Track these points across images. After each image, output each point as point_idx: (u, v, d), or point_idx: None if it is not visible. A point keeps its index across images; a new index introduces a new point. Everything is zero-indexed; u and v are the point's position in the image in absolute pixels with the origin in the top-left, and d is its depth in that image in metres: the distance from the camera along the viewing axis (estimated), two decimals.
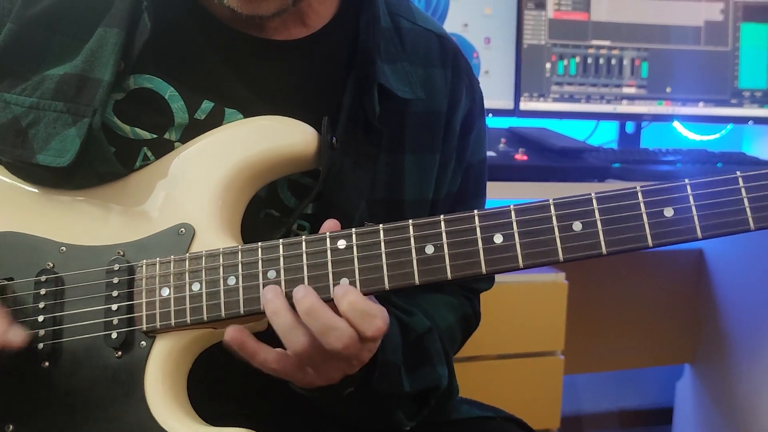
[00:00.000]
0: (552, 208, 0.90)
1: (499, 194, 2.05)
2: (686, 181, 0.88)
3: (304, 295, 0.90)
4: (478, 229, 0.91)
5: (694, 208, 0.87)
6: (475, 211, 0.91)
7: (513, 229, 0.90)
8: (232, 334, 0.92)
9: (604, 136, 2.81)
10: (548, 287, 2.22)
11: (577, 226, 0.89)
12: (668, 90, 2.65)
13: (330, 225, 0.97)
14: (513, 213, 0.90)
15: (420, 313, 1.16)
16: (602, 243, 0.88)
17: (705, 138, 2.88)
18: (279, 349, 0.94)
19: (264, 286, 0.94)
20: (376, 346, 0.96)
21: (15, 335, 0.94)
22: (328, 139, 1.01)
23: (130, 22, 1.03)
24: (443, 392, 1.18)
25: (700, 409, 3.03)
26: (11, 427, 0.96)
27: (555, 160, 2.24)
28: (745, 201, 0.87)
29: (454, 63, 1.21)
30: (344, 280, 0.92)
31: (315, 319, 0.89)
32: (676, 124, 2.83)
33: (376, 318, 0.90)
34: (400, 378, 1.09)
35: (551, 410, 2.30)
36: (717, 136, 2.88)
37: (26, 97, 1.01)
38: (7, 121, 1.01)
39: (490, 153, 2.21)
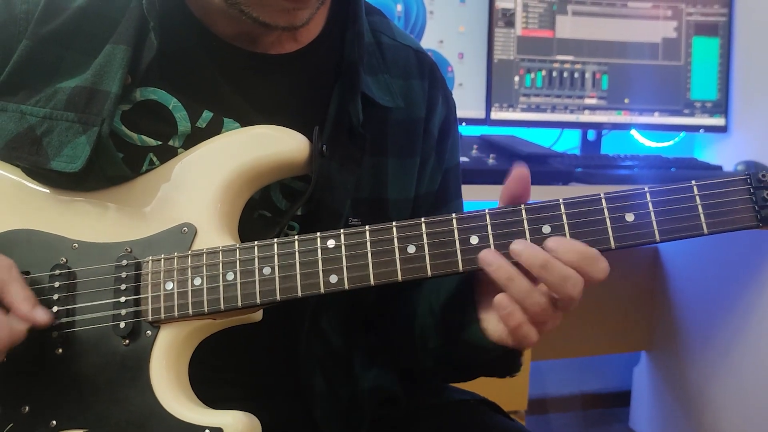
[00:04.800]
0: (523, 212, 0.91)
1: (472, 196, 2.04)
2: (646, 188, 0.89)
3: (535, 252, 0.88)
4: (455, 231, 0.91)
5: (653, 214, 0.88)
6: (453, 215, 0.92)
7: (488, 231, 0.91)
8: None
9: (568, 143, 2.82)
10: None
11: (546, 229, 0.90)
12: (626, 101, 2.67)
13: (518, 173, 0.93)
14: (488, 217, 0.91)
15: None
16: None
17: (660, 145, 2.90)
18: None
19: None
20: None
21: (41, 314, 0.94)
22: (318, 147, 1.02)
23: (137, 40, 1.03)
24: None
25: (656, 392, 3.05)
26: (27, 408, 0.97)
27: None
28: (700, 208, 0.87)
29: (431, 75, 1.22)
30: (333, 277, 0.93)
31: (551, 272, 0.88)
32: (633, 132, 2.85)
33: (602, 261, 0.89)
34: None
35: (519, 393, 2.32)
36: (671, 143, 2.90)
37: (40, 108, 1.02)
38: (23, 130, 1.02)
39: (463, 158, 2.22)
